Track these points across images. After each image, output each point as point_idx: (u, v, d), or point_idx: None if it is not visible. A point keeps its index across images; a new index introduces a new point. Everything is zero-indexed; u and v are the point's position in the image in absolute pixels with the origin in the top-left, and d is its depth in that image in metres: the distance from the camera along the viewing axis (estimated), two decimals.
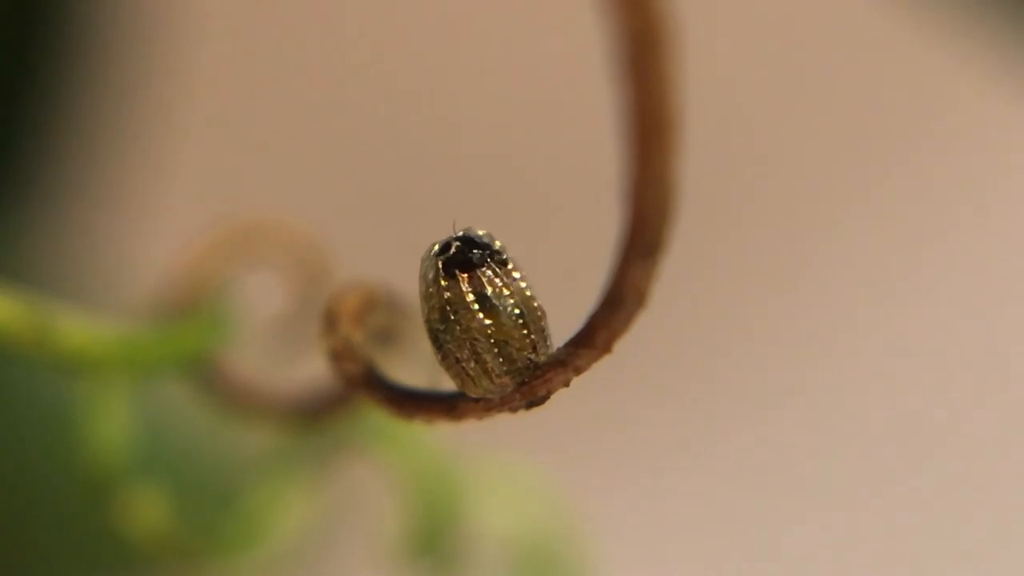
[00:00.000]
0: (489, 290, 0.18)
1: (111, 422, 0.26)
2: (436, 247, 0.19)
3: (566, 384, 0.19)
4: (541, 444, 0.34)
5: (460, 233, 0.19)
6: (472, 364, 0.18)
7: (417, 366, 0.22)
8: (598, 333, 0.17)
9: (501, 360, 0.18)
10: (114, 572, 0.39)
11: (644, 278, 0.17)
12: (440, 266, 0.18)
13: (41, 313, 0.25)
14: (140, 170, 0.56)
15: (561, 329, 0.19)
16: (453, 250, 0.19)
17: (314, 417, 0.27)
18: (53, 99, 0.51)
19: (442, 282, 0.18)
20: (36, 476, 0.38)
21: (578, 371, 0.18)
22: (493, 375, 0.18)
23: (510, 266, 0.19)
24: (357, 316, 0.19)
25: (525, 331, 0.18)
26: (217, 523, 0.29)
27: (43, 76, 0.51)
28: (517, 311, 0.18)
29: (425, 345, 0.19)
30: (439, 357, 0.19)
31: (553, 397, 0.19)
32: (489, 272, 0.18)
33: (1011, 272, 0.64)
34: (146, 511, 0.27)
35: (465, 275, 0.18)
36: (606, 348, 0.18)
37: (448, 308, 0.18)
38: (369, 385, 0.19)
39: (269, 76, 0.65)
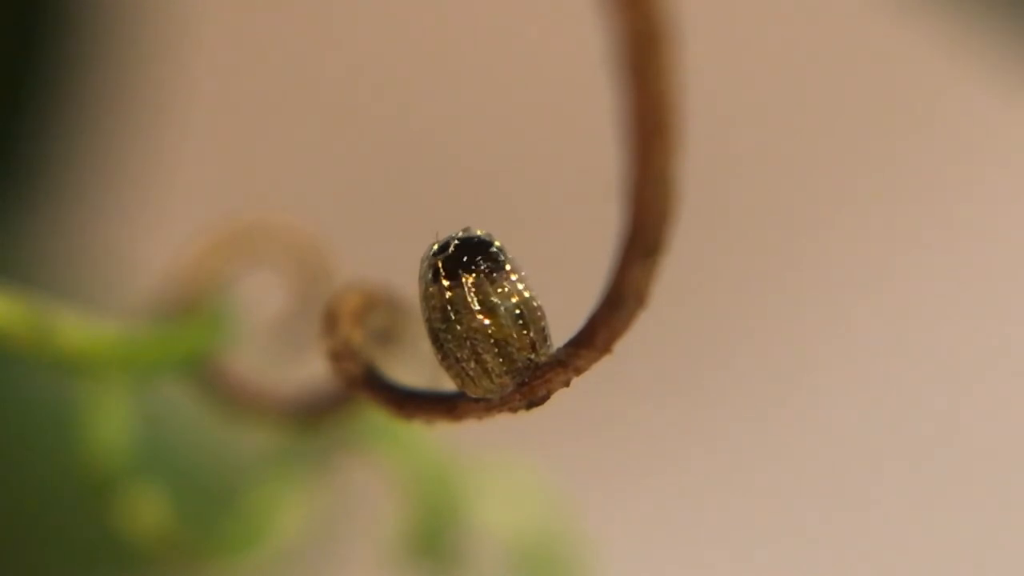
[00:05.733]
0: (489, 290, 0.18)
1: (111, 422, 0.26)
2: (436, 247, 0.19)
3: (566, 384, 0.18)
4: (541, 444, 0.34)
5: (460, 233, 0.19)
6: (472, 364, 0.18)
7: (417, 366, 0.22)
8: (598, 333, 0.17)
9: (501, 360, 0.18)
10: (114, 572, 0.39)
11: (644, 278, 0.17)
12: (440, 266, 0.18)
13: (41, 313, 0.25)
14: (140, 171, 0.56)
15: (561, 329, 0.18)
16: (453, 250, 0.19)
17: (314, 417, 0.26)
18: (54, 100, 0.51)
19: (442, 282, 0.18)
20: (36, 476, 0.38)
21: (578, 371, 0.18)
22: (493, 375, 0.18)
23: (510, 267, 0.19)
24: (357, 316, 0.19)
25: (525, 331, 0.18)
26: (217, 523, 0.29)
27: (43, 77, 0.51)
28: (517, 311, 0.18)
29: (425, 345, 0.19)
30: (439, 357, 0.19)
31: (553, 397, 0.19)
32: (489, 272, 0.18)
33: (1011, 272, 0.64)
34: (146, 511, 0.27)
35: (465, 275, 0.18)
36: (606, 348, 0.18)
37: (448, 308, 0.18)
38: (369, 385, 0.19)
39: (269, 76, 0.65)
